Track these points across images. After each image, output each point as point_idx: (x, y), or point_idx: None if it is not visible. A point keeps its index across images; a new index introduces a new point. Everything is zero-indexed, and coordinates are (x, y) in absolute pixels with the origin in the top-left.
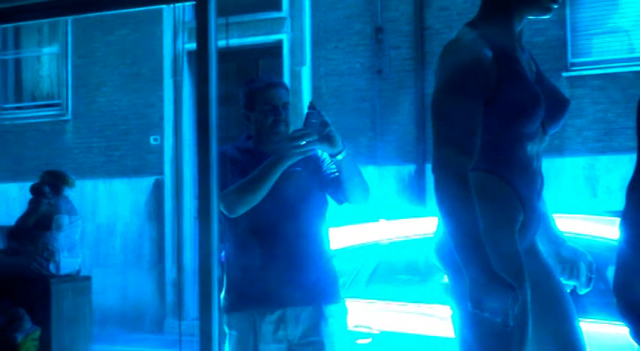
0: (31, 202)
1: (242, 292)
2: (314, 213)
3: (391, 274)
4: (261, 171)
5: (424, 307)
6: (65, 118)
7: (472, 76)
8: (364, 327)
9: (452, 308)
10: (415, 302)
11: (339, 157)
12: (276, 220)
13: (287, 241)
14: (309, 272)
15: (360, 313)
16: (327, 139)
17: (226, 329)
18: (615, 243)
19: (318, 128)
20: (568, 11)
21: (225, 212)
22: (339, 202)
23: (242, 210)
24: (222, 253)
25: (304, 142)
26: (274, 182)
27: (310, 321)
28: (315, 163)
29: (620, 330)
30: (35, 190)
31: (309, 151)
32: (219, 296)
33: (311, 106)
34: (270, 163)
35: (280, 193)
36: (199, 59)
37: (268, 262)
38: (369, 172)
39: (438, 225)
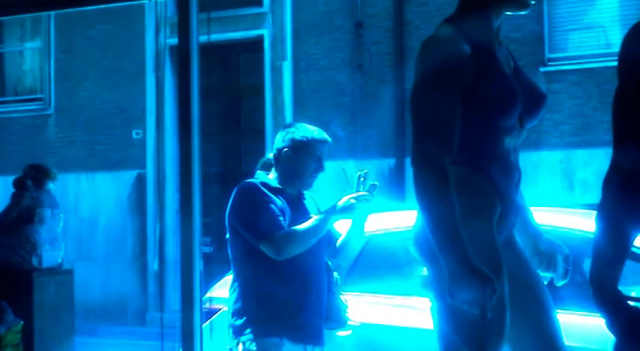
0: (14, 196)
1: (277, 321)
2: (325, 261)
3: (371, 266)
4: (322, 223)
5: (404, 300)
6: (48, 112)
7: (450, 71)
8: None
9: (431, 300)
10: (395, 294)
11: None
12: (309, 263)
13: (315, 282)
14: (322, 316)
15: None
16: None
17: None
18: (591, 236)
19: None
20: (545, 7)
21: (272, 255)
22: None
23: (292, 255)
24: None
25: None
26: None
27: None
28: None
29: (597, 321)
30: (18, 184)
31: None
32: (201, 289)
33: (365, 175)
34: (330, 216)
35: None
36: (181, 54)
37: (302, 300)
38: (349, 166)
39: (417, 218)
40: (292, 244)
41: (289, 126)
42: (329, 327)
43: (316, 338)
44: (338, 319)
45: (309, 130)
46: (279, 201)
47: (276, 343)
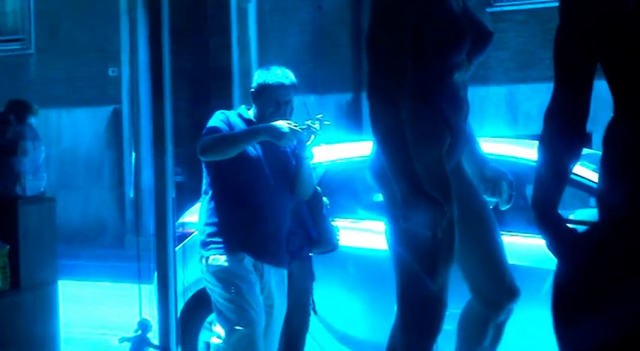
0: None
1: (235, 239)
2: (289, 189)
3: (330, 192)
4: (244, 134)
5: (361, 223)
6: (29, 51)
7: (403, 10)
8: None
9: (385, 224)
10: (353, 218)
11: (308, 160)
12: (266, 193)
13: (271, 211)
14: (282, 239)
15: None
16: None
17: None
18: (534, 164)
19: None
20: None
21: (198, 152)
22: None
23: (211, 157)
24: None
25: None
26: (272, 155)
27: (276, 283)
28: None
29: (538, 242)
30: (1, 119)
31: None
32: (173, 215)
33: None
34: (257, 131)
35: (274, 165)
36: None
37: (258, 223)
38: (310, 100)
39: (373, 148)
40: (210, 147)
41: (260, 69)
42: (320, 251)
43: (275, 260)
44: (329, 242)
45: (268, 75)
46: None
47: (235, 258)
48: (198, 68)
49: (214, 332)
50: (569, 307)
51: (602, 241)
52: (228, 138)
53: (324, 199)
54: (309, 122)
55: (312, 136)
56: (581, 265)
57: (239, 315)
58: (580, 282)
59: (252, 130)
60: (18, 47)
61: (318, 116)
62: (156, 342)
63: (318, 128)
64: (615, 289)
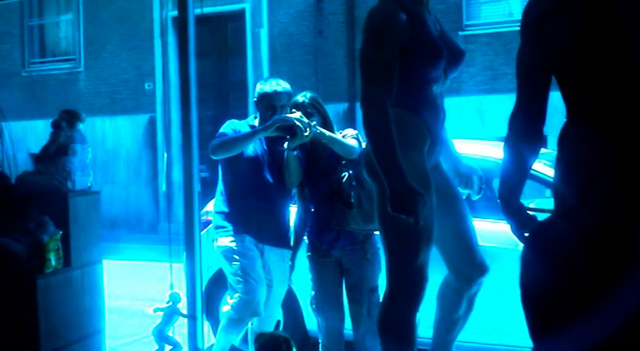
0: (52, 135)
1: (240, 225)
2: (283, 182)
3: None
4: (247, 135)
5: None
6: (79, 70)
7: (389, 34)
8: None
9: (376, 211)
10: None
11: (294, 152)
12: (266, 182)
13: (267, 201)
14: (280, 223)
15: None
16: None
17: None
18: (499, 161)
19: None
20: None
21: (209, 152)
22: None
23: (219, 156)
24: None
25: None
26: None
27: (276, 261)
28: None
29: (503, 227)
30: (55, 125)
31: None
32: (199, 205)
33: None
34: (254, 132)
35: (272, 164)
36: (180, 23)
37: (260, 210)
38: None
39: (366, 148)
40: (217, 147)
41: (260, 81)
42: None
43: (274, 241)
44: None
45: (265, 84)
46: None
47: (238, 239)
48: (219, 82)
49: (226, 302)
50: (535, 298)
51: (558, 225)
52: (230, 140)
53: None
54: (295, 116)
55: (299, 131)
56: (542, 254)
57: (242, 285)
58: (542, 275)
59: (251, 132)
60: (70, 66)
61: (313, 123)
62: (184, 311)
63: (302, 126)
64: (571, 270)
